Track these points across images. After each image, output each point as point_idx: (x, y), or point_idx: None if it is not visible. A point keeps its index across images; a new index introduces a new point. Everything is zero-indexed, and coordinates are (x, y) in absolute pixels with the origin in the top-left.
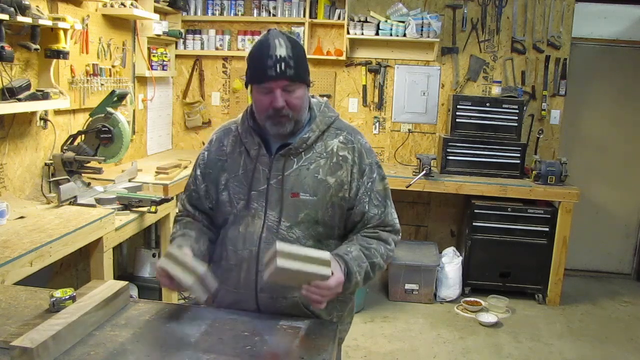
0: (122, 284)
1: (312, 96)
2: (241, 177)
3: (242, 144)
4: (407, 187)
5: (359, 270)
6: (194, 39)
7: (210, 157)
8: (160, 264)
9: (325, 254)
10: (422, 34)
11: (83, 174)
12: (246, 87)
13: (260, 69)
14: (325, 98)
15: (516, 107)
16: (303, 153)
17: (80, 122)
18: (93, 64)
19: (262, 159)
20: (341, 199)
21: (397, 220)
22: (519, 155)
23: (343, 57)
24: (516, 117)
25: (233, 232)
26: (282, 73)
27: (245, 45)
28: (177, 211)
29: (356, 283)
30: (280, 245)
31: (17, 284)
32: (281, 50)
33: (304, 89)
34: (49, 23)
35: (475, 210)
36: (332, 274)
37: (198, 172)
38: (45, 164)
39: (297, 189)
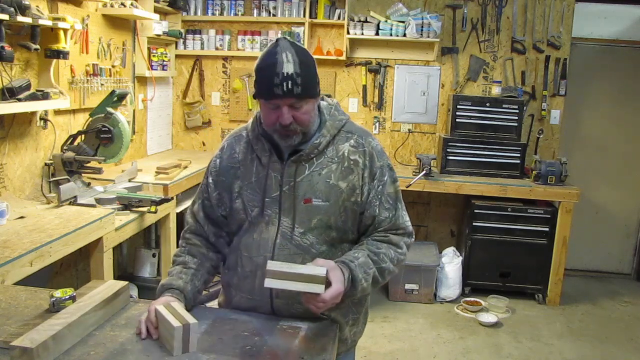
0: (122, 284)
1: (322, 98)
2: (254, 184)
3: (254, 151)
4: (407, 187)
5: (365, 276)
6: (194, 39)
7: (222, 165)
8: (156, 307)
9: (320, 270)
10: (422, 34)
11: (83, 174)
12: (254, 98)
13: (267, 85)
14: (335, 100)
15: (516, 107)
16: (315, 158)
17: (80, 122)
18: (93, 64)
19: (274, 166)
20: (353, 203)
21: (409, 223)
22: (519, 155)
23: (343, 57)
24: (516, 117)
25: (247, 239)
26: (289, 92)
27: (245, 45)
28: (186, 222)
29: (363, 289)
30: (271, 265)
31: (17, 284)
32: (289, 66)
33: (313, 103)
34: (49, 23)
35: (475, 210)
36: (331, 284)
37: (210, 180)
38: (45, 164)
39: (310, 195)
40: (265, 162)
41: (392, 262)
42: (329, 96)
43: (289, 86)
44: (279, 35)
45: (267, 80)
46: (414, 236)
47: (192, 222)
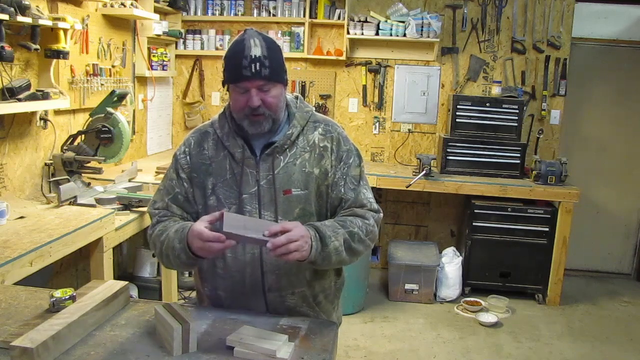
0: (122, 284)
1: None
2: (230, 181)
3: (225, 147)
4: (407, 187)
5: (334, 235)
6: (194, 39)
7: (193, 161)
8: (155, 307)
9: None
10: (422, 34)
11: (83, 174)
12: (223, 86)
13: (235, 69)
14: (297, 93)
15: (516, 107)
16: (287, 150)
17: (80, 122)
18: (93, 64)
19: (248, 162)
20: (327, 187)
21: (372, 200)
22: (519, 155)
23: (343, 57)
24: (516, 117)
25: None
26: (257, 73)
27: None
28: (154, 219)
29: (335, 249)
30: (227, 214)
31: (17, 284)
32: (256, 50)
33: (280, 88)
34: (49, 23)
35: (475, 210)
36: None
37: (183, 176)
38: (45, 164)
39: (288, 186)
40: (239, 158)
41: (361, 230)
42: (329, 96)
43: (257, 68)
44: (279, 36)
45: (236, 64)
46: (381, 212)
47: (161, 213)
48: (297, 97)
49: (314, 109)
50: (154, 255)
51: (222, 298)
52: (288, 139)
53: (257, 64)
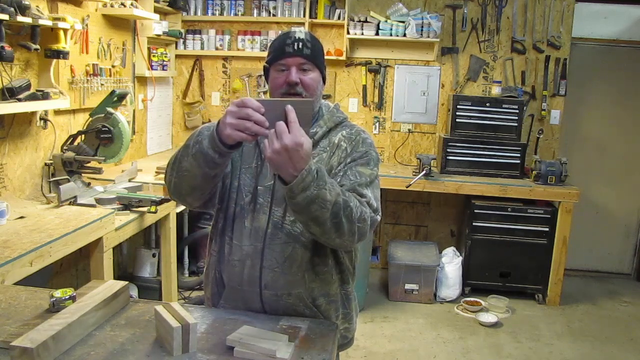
0: (122, 284)
1: (324, 97)
2: (253, 170)
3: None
4: (407, 187)
5: (332, 187)
6: (194, 39)
7: None
8: (155, 307)
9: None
10: (422, 34)
11: (83, 174)
12: (265, 74)
13: (279, 47)
14: (336, 102)
15: (516, 107)
16: None
17: (80, 122)
18: (93, 64)
19: None
20: None
21: (374, 200)
22: (519, 155)
23: (343, 57)
24: (516, 117)
25: (238, 226)
26: (299, 50)
27: (245, 45)
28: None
29: (323, 199)
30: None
31: (17, 284)
32: (300, 34)
33: (319, 75)
34: (49, 23)
35: (475, 210)
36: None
37: None
38: (45, 164)
39: None
40: (263, 149)
41: (356, 210)
42: (329, 96)
43: (299, 46)
44: None
45: (280, 44)
46: (379, 215)
47: None
48: (333, 105)
49: (347, 117)
50: (154, 255)
51: (225, 283)
52: (312, 138)
53: (300, 43)
